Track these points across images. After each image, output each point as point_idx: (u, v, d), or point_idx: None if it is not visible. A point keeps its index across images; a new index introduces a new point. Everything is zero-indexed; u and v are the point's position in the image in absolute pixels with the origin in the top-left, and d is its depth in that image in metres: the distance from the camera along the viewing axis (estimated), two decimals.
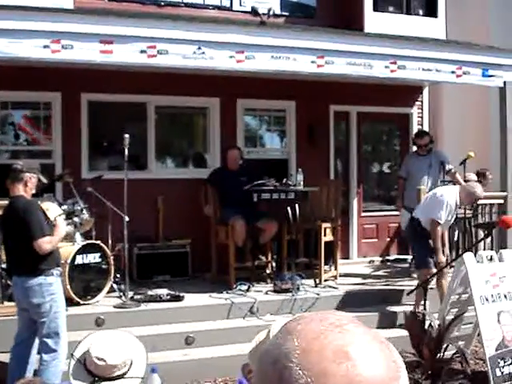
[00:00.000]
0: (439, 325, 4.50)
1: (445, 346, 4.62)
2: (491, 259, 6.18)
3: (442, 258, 6.72)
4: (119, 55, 6.28)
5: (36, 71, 7.37)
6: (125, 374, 2.84)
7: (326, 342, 0.77)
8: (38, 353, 4.97)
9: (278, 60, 6.86)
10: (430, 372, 4.20)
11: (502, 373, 5.63)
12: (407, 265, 8.95)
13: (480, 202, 7.97)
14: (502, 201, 8.02)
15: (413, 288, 6.13)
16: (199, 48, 6.50)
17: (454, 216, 6.90)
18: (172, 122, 9.35)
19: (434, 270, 6.72)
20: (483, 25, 11.07)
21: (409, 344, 4.62)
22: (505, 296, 6.09)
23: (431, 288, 6.86)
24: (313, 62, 7.03)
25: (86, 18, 6.26)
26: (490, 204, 8.17)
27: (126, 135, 6.59)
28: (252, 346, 2.86)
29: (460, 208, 6.94)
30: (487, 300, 5.97)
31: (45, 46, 6.01)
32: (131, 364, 2.88)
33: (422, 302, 5.87)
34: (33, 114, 8.39)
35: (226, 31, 6.71)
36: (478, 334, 6.03)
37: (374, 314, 7.01)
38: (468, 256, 6.08)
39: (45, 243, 4.75)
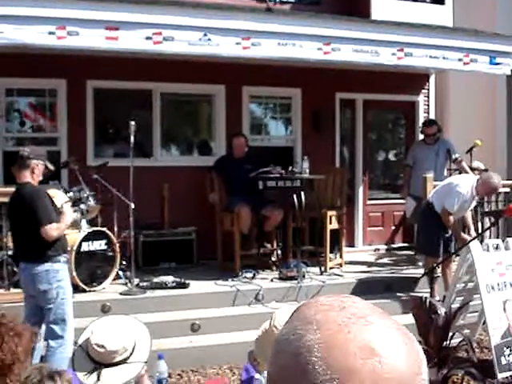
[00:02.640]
0: (445, 313, 4.50)
1: (452, 335, 4.62)
2: (497, 248, 6.17)
3: (465, 236, 6.73)
4: (125, 42, 6.26)
5: (41, 58, 7.34)
6: (127, 358, 2.84)
7: (350, 337, 0.75)
8: (45, 339, 4.98)
9: (284, 47, 6.82)
10: (436, 360, 4.20)
11: (508, 361, 5.64)
12: (412, 253, 8.95)
13: None
14: (508, 189, 7.99)
15: (420, 276, 6.12)
16: (205, 34, 6.47)
17: (474, 203, 6.88)
18: (177, 109, 9.32)
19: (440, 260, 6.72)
20: (490, 12, 10.99)
21: (415, 331, 4.63)
22: (511, 285, 6.08)
23: (437, 276, 6.87)
24: (319, 48, 7.00)
25: (92, 4, 6.23)
26: (497, 193, 8.13)
27: (132, 122, 6.58)
28: (258, 333, 2.87)
29: (479, 199, 6.92)
30: (493, 288, 5.96)
31: (50, 33, 5.99)
32: (133, 349, 2.89)
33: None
34: (38, 101, 8.38)
35: (232, 18, 6.67)
36: (484, 323, 6.04)
37: (378, 301, 7.00)
38: (474, 244, 6.07)
39: (52, 230, 4.75)
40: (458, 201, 6.72)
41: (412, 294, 6.84)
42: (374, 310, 0.81)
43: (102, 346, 2.77)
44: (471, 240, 6.23)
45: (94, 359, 2.80)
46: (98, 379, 2.75)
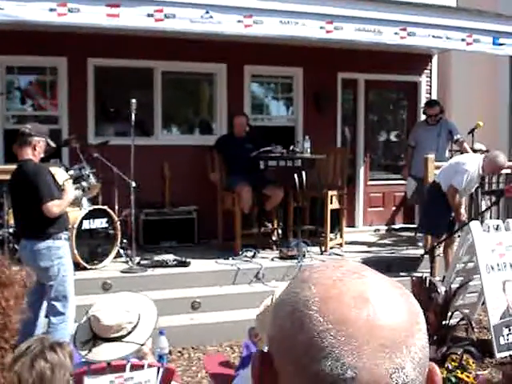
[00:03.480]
0: (445, 292, 4.52)
1: (450, 313, 4.65)
2: (497, 228, 6.18)
3: (463, 216, 6.73)
4: (126, 19, 6.21)
5: (42, 36, 7.31)
6: (123, 337, 2.86)
7: (344, 289, 0.76)
8: (46, 316, 5.01)
9: (286, 25, 6.78)
10: (435, 337, 4.23)
11: (507, 341, 5.67)
12: (412, 233, 8.97)
13: None
14: (509, 170, 7.98)
15: (420, 255, 6.15)
16: (207, 12, 6.42)
17: (477, 185, 6.86)
18: (179, 88, 9.29)
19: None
20: None
21: None
22: (510, 265, 6.10)
23: (438, 255, 6.89)
24: (321, 27, 6.95)
25: None
26: (498, 174, 8.13)
27: (133, 100, 6.57)
28: (260, 309, 2.88)
29: (484, 178, 6.88)
30: (493, 269, 5.99)
31: (51, 9, 5.94)
32: (135, 326, 2.90)
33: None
34: (39, 79, 8.36)
35: None
36: (483, 303, 6.07)
37: None
38: (474, 225, 6.09)
39: (54, 206, 4.76)
40: (466, 179, 6.71)
41: (413, 273, 6.86)
42: (369, 268, 0.82)
43: (98, 320, 2.81)
44: (471, 220, 6.24)
45: (93, 330, 2.83)
46: (90, 351, 2.79)
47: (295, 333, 0.76)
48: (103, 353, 2.83)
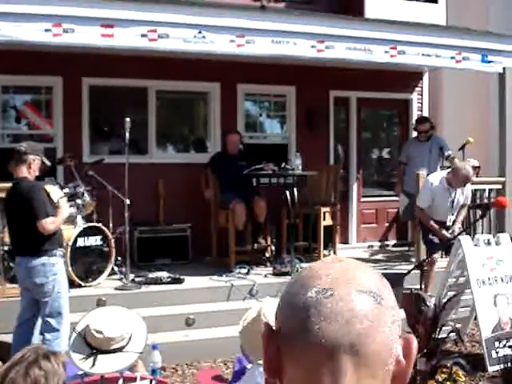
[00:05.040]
0: (435, 304, 4.59)
1: (441, 327, 4.71)
2: (488, 243, 6.25)
3: (445, 235, 6.73)
4: (120, 39, 6.30)
5: (37, 55, 7.40)
6: (123, 347, 2.91)
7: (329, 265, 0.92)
8: (41, 333, 5.04)
9: (278, 44, 6.88)
10: (425, 350, 4.29)
11: (498, 354, 5.72)
12: (406, 249, 9.03)
13: (478, 187, 8.05)
14: (500, 186, 8.08)
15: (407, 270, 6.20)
16: (200, 32, 6.52)
17: (451, 199, 6.88)
18: (173, 106, 9.38)
19: (436, 255, 6.77)
20: (483, 10, 11.06)
21: (405, 324, 4.72)
22: (501, 279, 6.18)
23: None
24: (313, 46, 7.06)
25: (88, 1, 6.27)
26: (489, 189, 8.23)
27: (127, 119, 6.64)
28: (242, 326, 2.92)
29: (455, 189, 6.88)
30: (484, 283, 6.05)
31: (46, 30, 6.03)
32: (130, 338, 2.96)
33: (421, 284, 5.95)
34: (34, 98, 8.43)
35: (227, 15, 6.72)
36: (475, 317, 6.12)
37: None
38: (465, 239, 6.16)
39: (48, 223, 4.81)
40: (426, 194, 6.79)
41: (404, 287, 6.90)
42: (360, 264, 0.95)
43: (101, 332, 2.85)
44: (456, 236, 6.30)
45: (91, 345, 2.87)
46: (94, 364, 2.82)
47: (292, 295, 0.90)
48: (109, 364, 2.87)
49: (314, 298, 0.85)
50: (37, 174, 5.07)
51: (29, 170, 4.94)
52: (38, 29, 6.00)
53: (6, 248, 6.18)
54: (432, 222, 6.78)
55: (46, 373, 2.15)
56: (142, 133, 8.44)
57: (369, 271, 0.91)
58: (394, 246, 9.79)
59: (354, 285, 0.86)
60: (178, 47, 6.56)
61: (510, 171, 8.19)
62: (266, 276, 7.27)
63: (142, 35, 6.37)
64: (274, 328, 0.90)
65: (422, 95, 10.30)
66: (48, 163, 5.24)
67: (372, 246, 9.73)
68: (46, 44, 6.24)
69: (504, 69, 8.17)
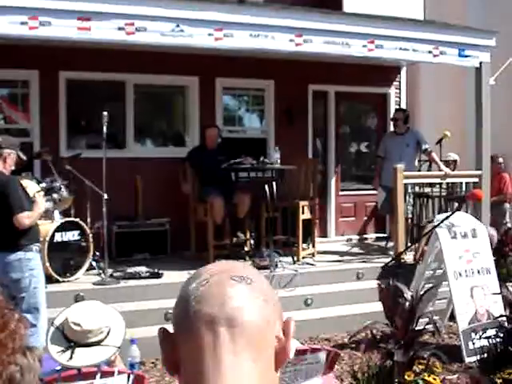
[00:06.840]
0: (412, 297, 4.63)
1: (418, 318, 4.75)
2: (465, 235, 6.32)
3: None
4: (97, 32, 6.24)
5: (14, 49, 7.32)
6: (101, 341, 2.90)
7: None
8: None
9: (256, 38, 6.87)
10: (402, 342, 4.32)
11: (474, 345, 5.79)
12: (384, 243, 9.09)
13: (455, 180, 8.16)
14: (476, 179, 8.15)
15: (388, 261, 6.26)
16: (178, 25, 6.49)
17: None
18: (151, 100, 9.33)
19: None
20: (461, 5, 11.16)
21: (383, 316, 4.75)
22: (478, 271, 6.25)
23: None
24: (291, 40, 7.06)
25: None
26: (466, 183, 8.30)
27: (105, 113, 6.59)
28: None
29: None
30: (460, 275, 6.13)
31: (22, 23, 5.96)
32: (108, 333, 2.95)
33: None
34: (10, 92, 8.34)
35: (205, 9, 6.69)
36: (453, 310, 6.18)
37: (350, 289, 7.16)
38: (442, 232, 6.22)
39: (24, 218, 4.77)
40: None
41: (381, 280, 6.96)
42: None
43: (79, 325, 2.84)
44: (431, 229, 6.38)
45: (69, 338, 2.85)
46: (71, 357, 2.81)
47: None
48: (86, 358, 2.85)
49: (194, 288, 0.98)
50: (12, 168, 5.03)
51: (4, 165, 4.90)
52: (14, 21, 5.92)
53: None
54: None
55: (21, 368, 2.13)
56: (119, 127, 8.39)
57: (247, 266, 1.07)
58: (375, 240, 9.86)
59: (227, 273, 0.99)
60: (156, 41, 6.52)
61: (486, 165, 8.27)
62: None
63: (120, 28, 6.32)
64: (169, 331, 1.02)
65: (399, 89, 10.36)
66: (24, 157, 5.20)
67: (351, 240, 9.78)
68: (22, 37, 6.17)
69: (481, 63, 8.23)
